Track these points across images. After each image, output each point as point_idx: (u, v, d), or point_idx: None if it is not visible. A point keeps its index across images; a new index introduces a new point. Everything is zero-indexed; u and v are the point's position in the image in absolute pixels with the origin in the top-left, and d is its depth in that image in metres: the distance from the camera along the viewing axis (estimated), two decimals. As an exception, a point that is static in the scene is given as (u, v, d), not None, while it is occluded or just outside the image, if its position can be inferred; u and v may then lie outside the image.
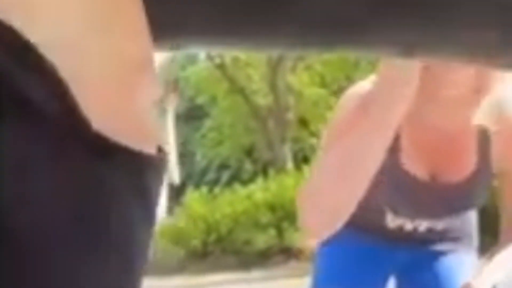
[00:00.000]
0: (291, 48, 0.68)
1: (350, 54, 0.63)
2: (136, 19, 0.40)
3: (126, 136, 0.37)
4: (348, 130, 1.33)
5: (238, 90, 11.62)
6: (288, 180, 8.97)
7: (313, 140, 11.59)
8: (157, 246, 8.96)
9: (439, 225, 1.68)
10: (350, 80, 11.25)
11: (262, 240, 8.70)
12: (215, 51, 0.97)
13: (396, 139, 1.52)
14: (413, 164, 1.53)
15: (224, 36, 0.61)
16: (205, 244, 9.02)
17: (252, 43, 0.63)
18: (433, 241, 1.65)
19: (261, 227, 8.65)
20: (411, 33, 0.59)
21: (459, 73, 1.38)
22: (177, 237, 9.11)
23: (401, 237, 1.57)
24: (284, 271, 8.26)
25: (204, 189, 9.88)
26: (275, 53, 0.83)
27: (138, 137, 0.38)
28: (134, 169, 0.38)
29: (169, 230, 9.27)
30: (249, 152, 15.79)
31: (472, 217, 1.84)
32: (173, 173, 15.46)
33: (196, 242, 8.99)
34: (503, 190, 1.58)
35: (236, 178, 13.73)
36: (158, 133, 0.41)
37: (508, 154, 1.53)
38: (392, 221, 1.66)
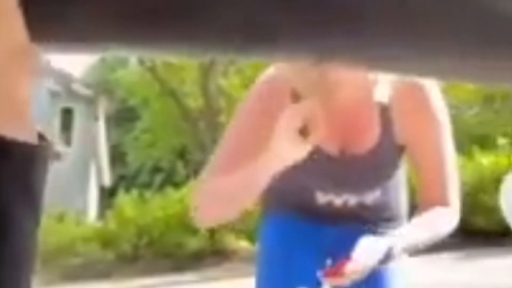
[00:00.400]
0: (207, 53, 0.68)
1: (266, 60, 0.65)
2: (8, 11, 0.39)
3: (3, 125, 0.36)
4: (243, 119, 1.53)
5: (169, 92, 11.57)
6: (222, 183, 8.92)
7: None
8: (86, 250, 8.83)
9: (368, 199, 1.71)
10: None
11: (194, 242, 8.68)
12: (135, 54, 0.97)
13: None
14: (323, 139, 1.61)
15: (142, 40, 0.62)
16: (136, 247, 8.92)
17: (170, 48, 0.64)
18: (365, 219, 1.68)
19: (193, 230, 8.62)
20: (326, 41, 0.61)
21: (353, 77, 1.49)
22: (107, 241, 8.98)
23: (332, 214, 1.59)
24: (217, 272, 8.26)
25: (136, 192, 9.78)
26: (192, 57, 0.84)
27: (17, 126, 0.38)
28: (15, 159, 0.37)
29: (99, 234, 9.13)
30: (181, 154, 15.69)
31: (403, 199, 1.88)
32: (104, 176, 15.23)
33: (126, 246, 8.88)
34: (408, 163, 1.64)
35: (168, 181, 13.63)
36: (39, 122, 0.39)
37: (408, 128, 1.60)
38: (321, 197, 1.70)
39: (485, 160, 8.24)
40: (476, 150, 8.71)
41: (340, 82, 1.57)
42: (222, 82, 11.48)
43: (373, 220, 1.70)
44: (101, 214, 11.20)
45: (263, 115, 1.62)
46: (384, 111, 1.61)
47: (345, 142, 1.62)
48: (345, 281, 1.49)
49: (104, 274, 8.51)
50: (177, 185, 10.56)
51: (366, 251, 1.50)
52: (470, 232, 7.76)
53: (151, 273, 8.47)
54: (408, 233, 1.56)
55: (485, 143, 9.59)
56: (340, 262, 1.51)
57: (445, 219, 1.61)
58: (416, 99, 1.59)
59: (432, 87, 1.62)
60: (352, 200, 1.72)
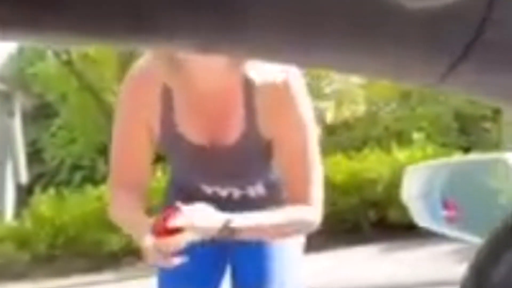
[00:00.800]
0: (85, 41, 0.65)
1: (148, 49, 0.61)
2: None
3: None
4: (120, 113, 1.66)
5: (88, 88, 11.38)
6: (140, 180, 8.86)
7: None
8: (1, 251, 8.61)
9: (251, 192, 1.72)
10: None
11: (113, 241, 8.55)
12: (23, 43, 0.93)
13: (169, 99, 1.62)
14: (188, 128, 1.62)
15: (23, 27, 0.58)
16: (52, 247, 8.73)
17: (47, 35, 0.61)
18: (250, 212, 1.67)
19: (112, 228, 8.49)
20: (209, 30, 0.59)
21: (212, 69, 1.51)
22: (23, 241, 8.76)
23: (220, 205, 1.59)
24: (136, 272, 8.16)
25: (53, 190, 9.57)
26: (68, 46, 0.80)
27: None
28: None
29: (14, 234, 8.90)
30: (102, 151, 15.46)
31: None
32: (22, 174, 14.87)
33: (42, 246, 8.69)
34: (274, 155, 1.65)
35: (89, 178, 13.42)
36: None
37: (272, 124, 1.62)
38: (207, 189, 1.72)
39: (401, 155, 8.44)
40: (393, 145, 8.92)
41: (200, 71, 1.56)
42: (142, 77, 11.36)
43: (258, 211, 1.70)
44: (18, 214, 10.91)
45: (138, 112, 1.65)
46: (250, 103, 1.61)
47: (213, 133, 1.62)
48: (171, 243, 1.47)
49: (20, 275, 8.30)
50: (97, 183, 10.39)
51: (199, 213, 1.50)
52: (389, 226, 7.93)
53: (68, 273, 8.31)
54: (255, 216, 1.57)
55: (402, 138, 9.84)
56: (167, 213, 1.50)
57: (305, 215, 1.62)
58: (282, 97, 1.59)
59: (300, 87, 1.62)
60: (236, 192, 1.74)
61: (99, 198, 8.78)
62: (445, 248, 6.27)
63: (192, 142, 1.63)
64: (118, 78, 11.76)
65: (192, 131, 1.63)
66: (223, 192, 1.74)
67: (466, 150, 9.01)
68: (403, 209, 7.90)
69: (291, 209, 1.60)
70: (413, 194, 1.88)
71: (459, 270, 0.98)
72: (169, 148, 1.69)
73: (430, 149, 8.58)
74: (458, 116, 10.62)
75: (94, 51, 11.21)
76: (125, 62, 11.20)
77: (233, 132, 1.62)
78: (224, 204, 1.62)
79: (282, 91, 1.57)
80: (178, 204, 1.49)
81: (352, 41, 0.59)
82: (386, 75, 0.68)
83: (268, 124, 1.61)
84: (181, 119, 1.64)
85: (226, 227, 1.50)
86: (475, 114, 10.49)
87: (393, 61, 0.58)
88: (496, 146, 8.89)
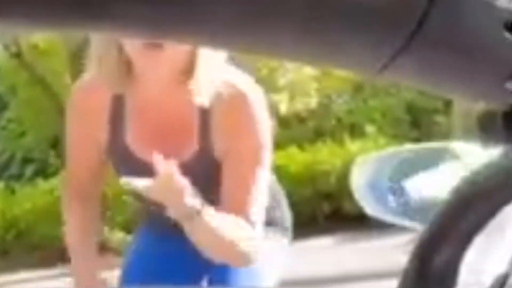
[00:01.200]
0: (31, 27, 0.65)
1: (97, 35, 0.61)
2: None
3: None
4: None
5: (38, 80, 11.20)
6: (91, 173, 8.79)
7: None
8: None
9: None
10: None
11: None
12: None
13: (119, 108, 1.58)
14: (137, 142, 1.58)
15: None
16: (2, 241, 8.58)
17: None
18: None
19: (64, 222, 8.38)
20: (158, 17, 0.58)
21: (163, 57, 1.46)
22: (-28, 236, 8.60)
23: (169, 222, 1.57)
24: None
25: (2, 184, 9.40)
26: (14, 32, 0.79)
27: None
28: None
29: (-37, 229, 8.73)
30: (53, 144, 15.23)
31: (281, 200, 1.88)
32: (-30, 168, 14.56)
33: (-8, 240, 8.54)
34: (224, 170, 1.57)
35: (40, 172, 13.21)
36: None
37: (225, 137, 1.56)
38: (155, 207, 1.67)
39: (354, 146, 8.52)
40: (346, 137, 9.00)
41: (149, 79, 1.51)
42: (94, 70, 11.22)
43: None
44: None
45: (85, 123, 1.63)
46: (204, 120, 1.54)
47: (163, 150, 1.53)
48: None
49: (-32, 271, 8.14)
50: (48, 176, 10.25)
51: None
52: (344, 217, 8.00)
53: (20, 268, 8.17)
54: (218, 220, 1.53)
55: (354, 130, 9.93)
56: None
57: (240, 228, 1.56)
58: (238, 110, 1.52)
59: (259, 104, 1.56)
60: None
61: (51, 192, 8.66)
62: (401, 238, 6.35)
63: (140, 158, 1.58)
64: (68, 71, 11.60)
65: (141, 146, 1.58)
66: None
67: (418, 142, 9.13)
68: (356, 200, 7.97)
69: (230, 217, 1.54)
70: (362, 184, 1.90)
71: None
72: (116, 162, 1.65)
73: (382, 141, 8.69)
74: (410, 109, 10.75)
75: (44, 43, 11.03)
76: (75, 54, 11.05)
77: (185, 150, 1.56)
78: (172, 223, 1.56)
79: (239, 104, 1.52)
80: None
81: (300, 27, 0.60)
82: (328, 63, 0.68)
83: (222, 144, 1.55)
84: (131, 132, 1.58)
85: (195, 208, 1.46)
86: (427, 107, 10.64)
87: (335, 49, 0.59)
88: (447, 138, 9.04)
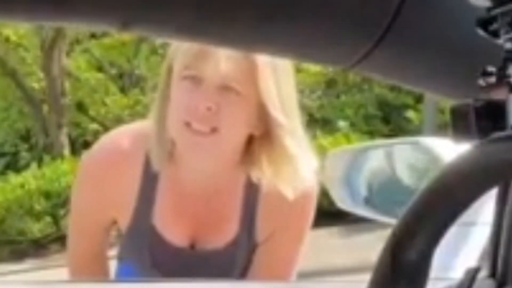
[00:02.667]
0: (2, 17, 0.64)
1: (63, 25, 0.60)
2: None
3: None
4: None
5: (9, 73, 11.08)
6: (64, 166, 8.71)
7: (94, 126, 11.36)
8: None
9: None
10: (131, 64, 11.17)
11: (37, 228, 8.38)
12: None
13: (152, 185, 1.38)
14: (168, 225, 1.39)
15: None
16: (-28, 236, 8.50)
17: None
18: None
19: (36, 216, 8.32)
20: (128, 7, 0.59)
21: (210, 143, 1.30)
22: None
23: None
24: (62, 260, 8.03)
25: (-28, 178, 9.30)
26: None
27: None
28: None
29: None
30: (25, 138, 15.08)
31: None
32: None
33: (-37, 234, 8.44)
34: (261, 261, 1.43)
35: (12, 165, 13.09)
36: None
37: (270, 227, 1.42)
38: None
39: (326, 141, 8.56)
40: (318, 132, 9.02)
41: (197, 162, 1.33)
42: (67, 62, 11.12)
43: None
44: None
45: (103, 198, 1.41)
46: (249, 206, 1.40)
47: (199, 235, 1.39)
48: None
49: None
50: (20, 170, 10.16)
51: None
52: (322, 213, 7.99)
53: (-10, 262, 8.10)
54: None
55: (326, 126, 9.97)
56: None
57: None
58: (289, 211, 1.39)
59: (311, 204, 1.44)
60: None
61: (22, 185, 8.59)
62: (379, 233, 6.39)
63: (169, 241, 1.39)
64: (41, 64, 11.49)
65: (173, 229, 1.39)
66: None
67: (389, 137, 9.19)
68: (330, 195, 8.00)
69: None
70: (334, 178, 1.91)
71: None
72: (135, 242, 1.43)
73: (354, 137, 8.74)
74: (382, 105, 10.82)
75: (16, 36, 10.91)
76: (48, 47, 10.95)
77: (224, 236, 1.40)
78: None
79: (291, 204, 1.38)
80: None
81: (270, 19, 0.60)
82: (303, 57, 0.69)
83: (265, 230, 1.41)
84: (162, 213, 1.39)
85: None
86: (398, 103, 10.71)
87: (309, 41, 0.59)
88: (418, 133, 9.11)
